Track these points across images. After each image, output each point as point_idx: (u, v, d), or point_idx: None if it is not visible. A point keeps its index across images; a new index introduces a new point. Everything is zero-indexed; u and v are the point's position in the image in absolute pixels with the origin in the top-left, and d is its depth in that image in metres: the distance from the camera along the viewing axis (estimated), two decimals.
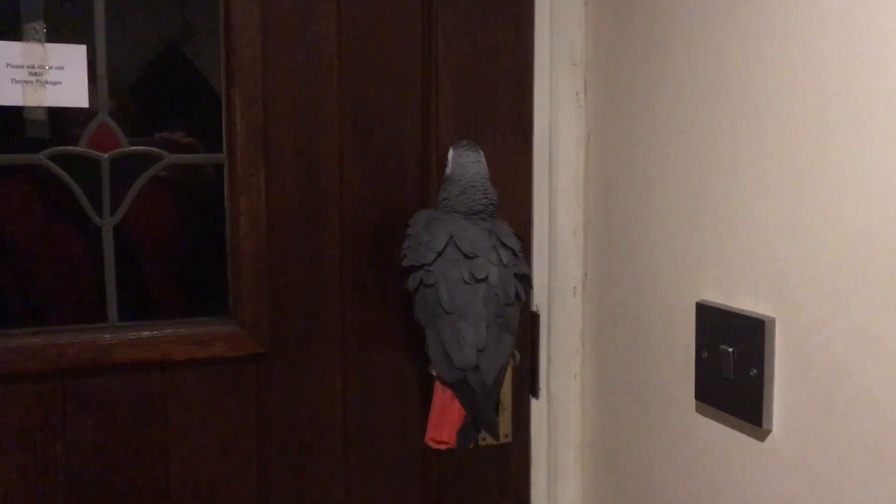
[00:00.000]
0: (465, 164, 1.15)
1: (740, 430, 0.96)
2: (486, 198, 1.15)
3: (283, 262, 1.22)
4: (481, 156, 1.16)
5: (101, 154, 1.16)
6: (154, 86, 1.26)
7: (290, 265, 1.23)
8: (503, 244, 1.13)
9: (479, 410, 1.10)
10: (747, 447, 0.95)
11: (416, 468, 1.33)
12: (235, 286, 1.22)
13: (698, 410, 1.04)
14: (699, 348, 1.02)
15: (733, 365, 0.95)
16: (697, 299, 1.02)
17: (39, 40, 1.11)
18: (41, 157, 1.14)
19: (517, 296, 1.13)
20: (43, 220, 1.19)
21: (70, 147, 1.15)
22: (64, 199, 1.17)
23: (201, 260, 1.31)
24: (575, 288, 1.32)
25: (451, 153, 1.17)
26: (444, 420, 1.12)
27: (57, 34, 1.12)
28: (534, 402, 1.36)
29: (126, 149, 1.17)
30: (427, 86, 1.26)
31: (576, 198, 1.30)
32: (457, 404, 1.12)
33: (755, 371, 0.92)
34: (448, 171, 1.17)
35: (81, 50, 1.13)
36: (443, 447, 1.12)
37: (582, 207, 1.31)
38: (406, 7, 1.25)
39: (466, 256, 1.10)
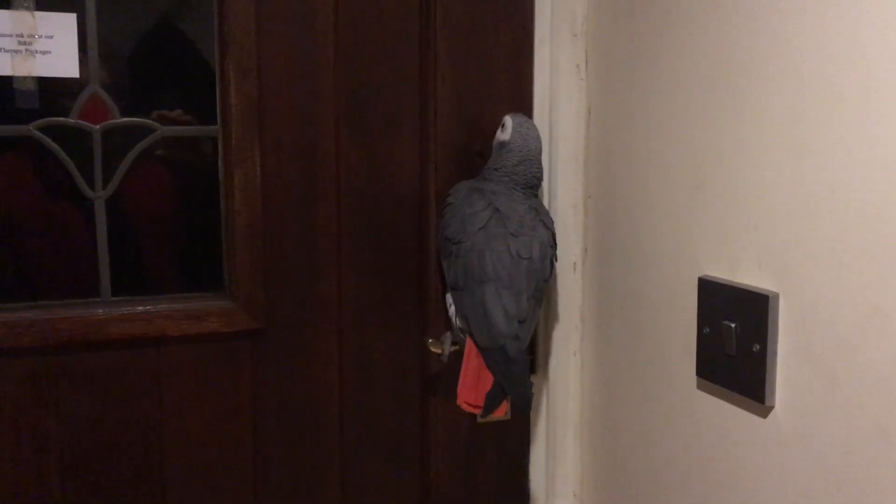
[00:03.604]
0: (527, 136, 1.17)
1: (742, 406, 0.95)
2: (541, 172, 1.19)
3: (278, 236, 1.21)
4: (538, 132, 1.19)
5: (93, 125, 1.14)
6: (148, 60, 1.23)
7: (286, 240, 1.21)
8: (544, 224, 1.16)
9: (513, 379, 1.12)
10: (749, 424, 0.94)
11: (413, 446, 1.31)
12: (230, 261, 1.20)
13: (700, 387, 1.03)
14: (701, 324, 1.00)
15: (736, 341, 0.94)
16: (699, 274, 1.01)
17: (28, 8, 1.08)
18: (31, 129, 1.12)
19: (551, 273, 1.18)
20: (34, 193, 1.17)
21: (61, 118, 1.13)
22: (56, 172, 1.15)
23: (196, 235, 1.29)
24: (575, 264, 1.30)
25: (510, 121, 1.17)
26: (480, 384, 1.14)
27: (46, 2, 1.09)
28: (533, 378, 1.35)
29: (118, 120, 1.15)
30: (425, 57, 1.24)
31: (576, 172, 1.28)
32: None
33: (758, 347, 0.90)
34: (506, 137, 1.17)
35: (72, 19, 1.11)
36: (476, 411, 1.14)
37: (582, 182, 1.29)
38: None
39: (512, 234, 1.13)
